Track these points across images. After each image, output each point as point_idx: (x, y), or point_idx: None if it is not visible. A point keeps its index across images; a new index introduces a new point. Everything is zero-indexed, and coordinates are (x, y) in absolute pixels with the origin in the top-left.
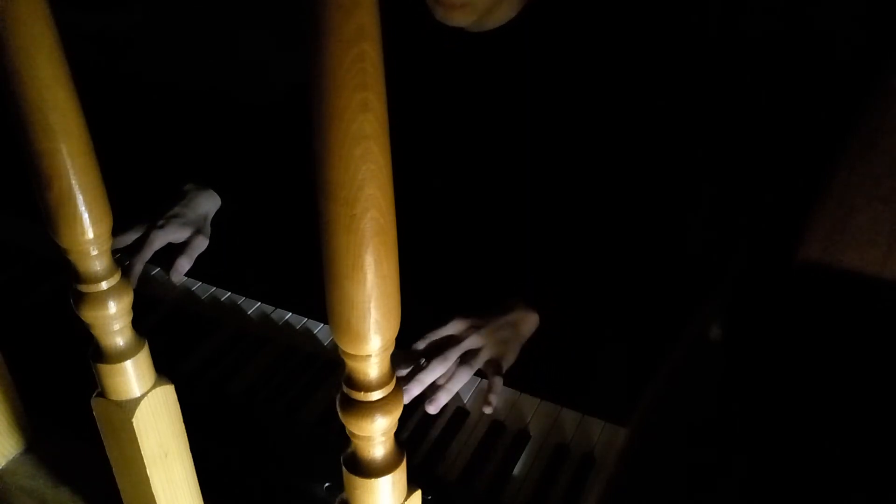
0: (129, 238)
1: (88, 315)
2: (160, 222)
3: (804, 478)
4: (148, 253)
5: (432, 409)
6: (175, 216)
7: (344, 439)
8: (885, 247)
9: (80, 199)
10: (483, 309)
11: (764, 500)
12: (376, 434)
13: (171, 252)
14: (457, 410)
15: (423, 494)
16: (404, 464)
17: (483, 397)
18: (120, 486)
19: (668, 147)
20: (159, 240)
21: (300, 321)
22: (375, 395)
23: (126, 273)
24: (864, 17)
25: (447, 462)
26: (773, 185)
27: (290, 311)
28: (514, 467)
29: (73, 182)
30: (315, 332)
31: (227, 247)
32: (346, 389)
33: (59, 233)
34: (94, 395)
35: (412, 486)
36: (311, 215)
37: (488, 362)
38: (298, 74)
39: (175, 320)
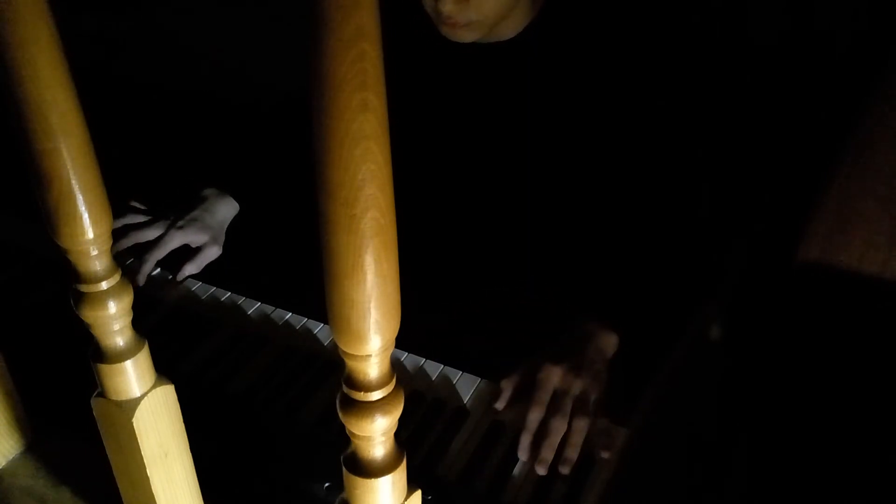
0: (148, 234)
1: (88, 315)
2: (180, 223)
3: (804, 478)
4: (163, 252)
5: (568, 470)
6: (195, 219)
7: (344, 439)
8: (885, 247)
9: (80, 199)
10: (568, 343)
11: (764, 500)
12: (376, 434)
13: (183, 254)
14: (457, 410)
15: (423, 494)
16: (404, 464)
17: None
18: (120, 486)
19: (668, 147)
20: (176, 240)
21: (300, 321)
22: (375, 395)
23: (137, 269)
24: (863, 19)
25: (447, 462)
26: (773, 186)
27: (290, 311)
28: (514, 467)
29: (73, 182)
30: (315, 332)
31: (229, 246)
32: (346, 389)
33: (59, 233)
34: (94, 395)
35: (412, 486)
36: (311, 215)
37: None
38: (300, 77)
39: (175, 320)
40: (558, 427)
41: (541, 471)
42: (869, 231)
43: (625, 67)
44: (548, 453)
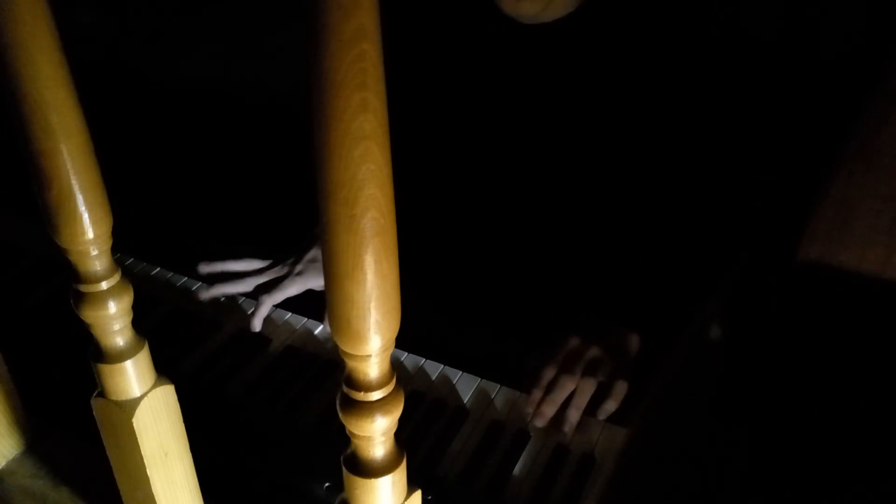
0: (265, 278)
1: (88, 315)
2: (298, 267)
3: (804, 476)
4: (280, 297)
5: (567, 428)
6: (313, 260)
7: (344, 439)
8: (885, 247)
9: (80, 199)
10: (595, 325)
11: (764, 498)
12: (376, 434)
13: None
14: (457, 410)
15: (423, 494)
16: (404, 464)
17: (565, 417)
18: (120, 487)
19: (670, 148)
20: (296, 287)
21: (300, 321)
22: (375, 395)
23: (255, 310)
24: (863, 18)
25: (447, 462)
26: (775, 185)
27: (290, 311)
28: (514, 467)
29: (73, 182)
30: (315, 332)
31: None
32: (346, 389)
33: (59, 233)
34: (94, 395)
35: (412, 486)
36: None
37: (604, 379)
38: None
39: (175, 320)
40: (564, 384)
41: (537, 423)
42: (869, 231)
43: (639, 66)
44: (547, 408)
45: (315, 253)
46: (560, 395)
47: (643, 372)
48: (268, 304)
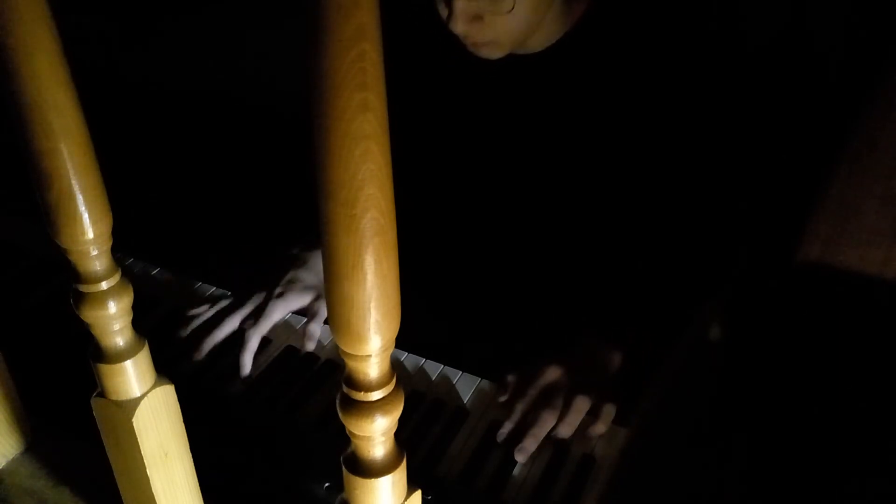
0: (247, 309)
1: (88, 315)
2: (278, 290)
3: (804, 477)
4: (267, 325)
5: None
6: (292, 281)
7: (344, 439)
8: (885, 247)
9: (80, 199)
10: (570, 352)
11: (764, 499)
12: (376, 434)
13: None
14: (457, 410)
15: (423, 494)
16: (404, 464)
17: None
18: (120, 487)
19: (674, 153)
20: (279, 311)
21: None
22: (375, 395)
23: (243, 346)
24: (863, 18)
25: (447, 462)
26: (774, 186)
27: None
28: (514, 467)
29: (73, 182)
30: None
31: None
32: (346, 389)
33: (59, 233)
34: (94, 395)
35: (412, 486)
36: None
37: (591, 406)
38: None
39: (175, 320)
40: (545, 419)
41: (519, 458)
42: (869, 231)
43: (643, 79)
44: (530, 443)
45: (294, 274)
46: (542, 432)
47: (636, 380)
48: (256, 337)
